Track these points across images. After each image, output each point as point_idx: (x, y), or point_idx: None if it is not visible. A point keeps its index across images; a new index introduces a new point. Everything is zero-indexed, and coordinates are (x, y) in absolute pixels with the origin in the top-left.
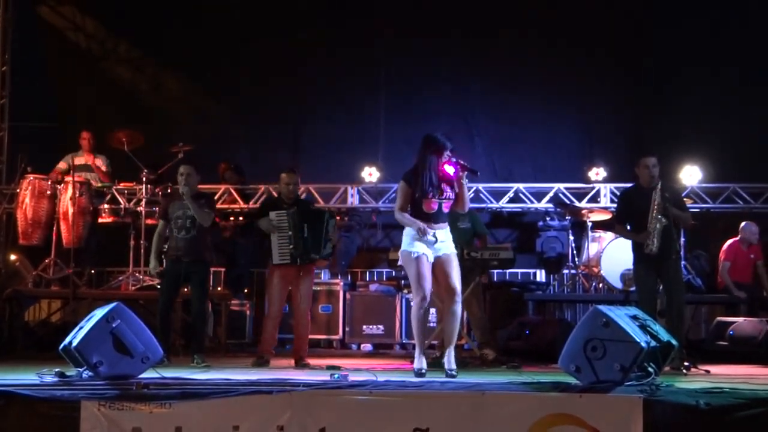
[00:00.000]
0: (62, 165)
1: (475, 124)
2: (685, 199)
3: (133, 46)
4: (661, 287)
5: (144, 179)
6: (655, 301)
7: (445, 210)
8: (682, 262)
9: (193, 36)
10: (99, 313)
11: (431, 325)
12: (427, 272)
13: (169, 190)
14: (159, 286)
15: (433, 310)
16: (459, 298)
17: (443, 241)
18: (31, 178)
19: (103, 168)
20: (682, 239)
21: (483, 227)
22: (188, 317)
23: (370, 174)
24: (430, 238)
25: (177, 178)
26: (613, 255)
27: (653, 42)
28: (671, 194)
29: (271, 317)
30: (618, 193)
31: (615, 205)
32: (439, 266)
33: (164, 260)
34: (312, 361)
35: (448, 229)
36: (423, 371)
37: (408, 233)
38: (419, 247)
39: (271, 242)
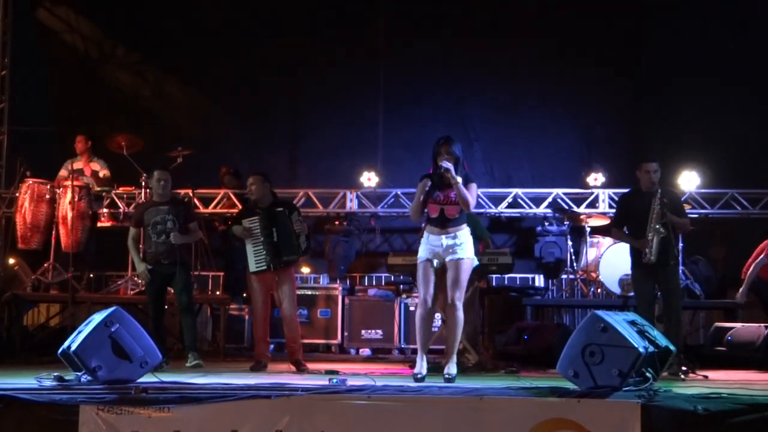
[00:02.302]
0: (63, 172)
1: (474, 129)
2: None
3: (132, 50)
4: (659, 293)
5: (143, 183)
6: (653, 306)
7: (450, 215)
8: (681, 268)
9: (192, 40)
10: (98, 318)
11: (433, 329)
12: (429, 277)
13: (145, 198)
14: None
15: (435, 315)
16: (455, 307)
17: (449, 246)
18: (31, 182)
19: (101, 172)
20: (681, 245)
21: (484, 231)
22: None
23: (369, 179)
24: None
25: (154, 184)
26: (612, 260)
27: (652, 47)
28: (670, 200)
29: (259, 323)
30: (617, 198)
31: (613, 210)
32: (444, 273)
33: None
34: (310, 366)
35: (459, 233)
36: (421, 376)
37: (421, 242)
38: (425, 254)
39: (247, 250)
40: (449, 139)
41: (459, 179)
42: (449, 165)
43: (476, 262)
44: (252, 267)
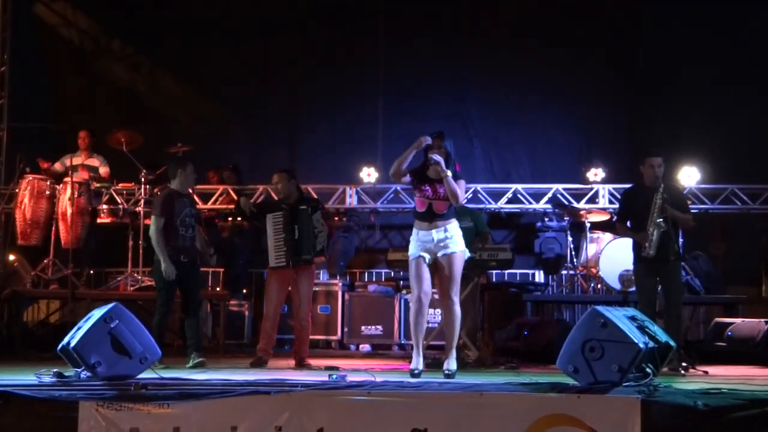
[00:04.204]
0: (58, 166)
1: (474, 125)
2: (686, 200)
3: (132, 47)
4: (660, 288)
5: (143, 180)
6: (655, 301)
7: (438, 210)
8: (681, 263)
9: (191, 35)
10: (97, 314)
11: (433, 325)
12: (422, 273)
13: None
14: (161, 288)
15: (435, 311)
16: (452, 302)
17: (440, 240)
18: (30, 178)
19: (101, 168)
20: (681, 240)
21: (485, 226)
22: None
23: (369, 174)
24: (426, 236)
25: (187, 175)
26: (612, 256)
27: (651, 43)
28: (672, 195)
29: (268, 318)
30: (616, 194)
31: (613, 206)
32: (437, 268)
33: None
34: (310, 362)
35: (448, 226)
36: (417, 372)
37: (411, 239)
38: (417, 250)
39: (268, 245)
40: (441, 133)
41: (449, 173)
42: (439, 158)
43: (468, 254)
44: (272, 262)
